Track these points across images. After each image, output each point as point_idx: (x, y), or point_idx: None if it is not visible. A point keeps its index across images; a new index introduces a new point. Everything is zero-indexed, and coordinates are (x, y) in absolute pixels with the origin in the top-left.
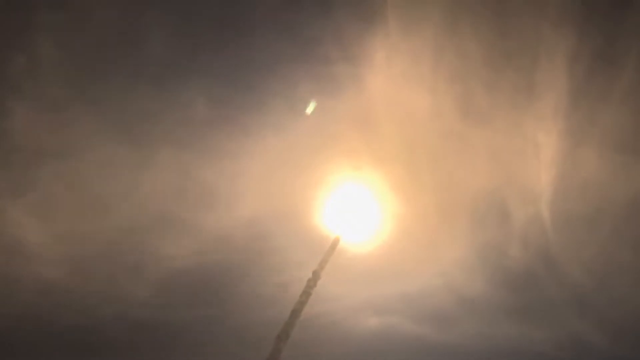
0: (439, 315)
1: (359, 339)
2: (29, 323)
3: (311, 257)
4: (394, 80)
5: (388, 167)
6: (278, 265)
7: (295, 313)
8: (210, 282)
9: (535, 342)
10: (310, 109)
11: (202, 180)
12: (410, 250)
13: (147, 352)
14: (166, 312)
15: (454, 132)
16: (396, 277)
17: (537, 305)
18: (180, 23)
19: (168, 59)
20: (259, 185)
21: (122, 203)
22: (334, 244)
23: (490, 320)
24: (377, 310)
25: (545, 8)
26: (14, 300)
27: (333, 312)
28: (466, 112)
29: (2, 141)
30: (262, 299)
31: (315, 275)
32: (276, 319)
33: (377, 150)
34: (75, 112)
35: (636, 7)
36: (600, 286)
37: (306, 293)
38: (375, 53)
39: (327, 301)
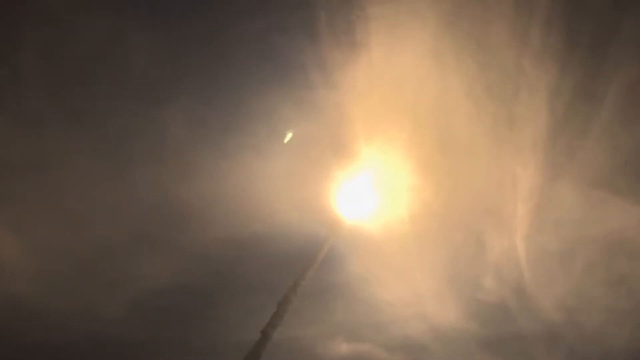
0: (410, 344)
1: None
2: None
3: (284, 280)
4: (375, 109)
5: (365, 194)
6: (251, 287)
7: (266, 335)
8: (183, 302)
9: None
10: (288, 137)
11: (179, 200)
12: (384, 278)
13: None
14: (139, 332)
15: (433, 162)
16: (369, 304)
17: (508, 337)
18: (164, 43)
19: (150, 78)
20: (235, 207)
21: (98, 220)
22: (310, 265)
23: (461, 350)
24: (349, 336)
25: (527, 43)
26: None
27: (304, 337)
28: (446, 142)
29: None
30: (235, 321)
31: (287, 299)
32: (248, 341)
33: (355, 177)
34: (55, 127)
35: (616, 44)
36: (571, 321)
37: (278, 315)
38: (357, 81)
39: (298, 326)
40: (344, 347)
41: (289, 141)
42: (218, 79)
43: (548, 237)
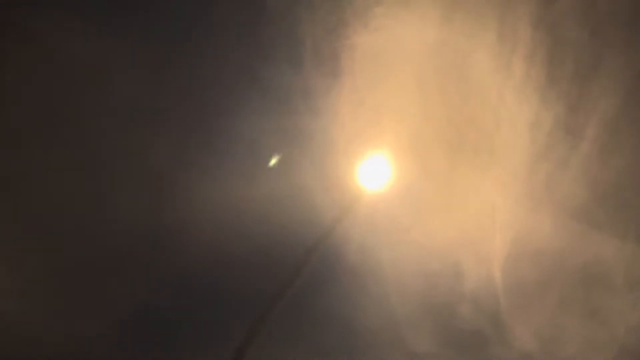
0: None
1: None
2: None
3: (263, 301)
4: (357, 135)
5: (346, 219)
6: (230, 307)
7: (240, 353)
8: (161, 323)
9: None
10: (273, 161)
11: (161, 221)
12: (360, 303)
13: None
14: (117, 351)
15: (413, 190)
16: (343, 328)
17: None
18: (149, 69)
19: (135, 103)
20: (216, 229)
21: (79, 239)
22: (286, 288)
23: None
24: (313, 358)
25: (509, 75)
26: None
27: (275, 357)
28: (426, 171)
29: None
30: (213, 342)
31: (261, 317)
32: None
33: (338, 202)
34: (39, 148)
35: (597, 79)
36: (546, 351)
37: (251, 333)
38: (340, 107)
39: (273, 348)
40: None
41: (273, 165)
42: (203, 105)
43: (525, 268)
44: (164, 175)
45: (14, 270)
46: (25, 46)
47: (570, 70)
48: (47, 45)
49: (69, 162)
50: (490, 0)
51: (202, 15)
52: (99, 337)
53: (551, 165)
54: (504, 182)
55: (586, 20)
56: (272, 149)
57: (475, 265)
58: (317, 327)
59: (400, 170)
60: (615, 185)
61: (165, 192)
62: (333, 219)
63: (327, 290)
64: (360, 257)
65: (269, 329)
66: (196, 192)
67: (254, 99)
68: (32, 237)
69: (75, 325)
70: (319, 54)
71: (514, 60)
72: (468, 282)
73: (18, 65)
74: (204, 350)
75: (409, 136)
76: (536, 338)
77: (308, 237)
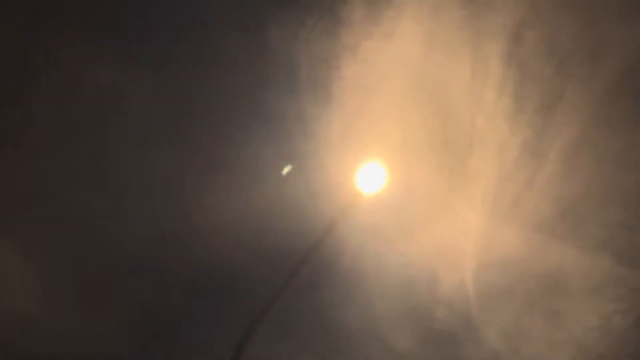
0: None
1: None
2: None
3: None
4: (346, 156)
5: (335, 232)
6: (230, 312)
7: (239, 349)
8: (168, 322)
9: None
10: (286, 170)
11: (170, 231)
12: (346, 306)
13: None
14: (131, 349)
15: (396, 206)
16: (327, 327)
17: None
18: (160, 94)
19: (147, 124)
20: (218, 238)
21: (95, 246)
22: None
23: None
24: (304, 355)
25: (481, 104)
26: None
27: (271, 354)
28: (408, 188)
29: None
30: (216, 339)
31: (259, 317)
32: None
33: (328, 215)
34: (60, 164)
35: (560, 108)
36: (513, 349)
37: (249, 331)
38: (331, 132)
39: (266, 347)
40: None
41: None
42: (209, 127)
43: (494, 275)
44: (172, 188)
45: (38, 274)
46: (52, 72)
47: (536, 100)
48: (72, 72)
49: (90, 177)
50: (464, 38)
51: (209, 49)
52: (114, 334)
53: (518, 184)
54: (476, 199)
55: (551, 56)
56: (271, 167)
57: (449, 272)
58: (308, 327)
59: (384, 189)
60: (575, 202)
61: (173, 203)
62: (324, 230)
63: (318, 293)
64: (348, 265)
65: (266, 328)
66: (203, 204)
67: (255, 122)
68: (57, 245)
69: (91, 324)
70: (312, 83)
71: (485, 91)
72: (443, 288)
73: (46, 89)
74: (208, 346)
75: (391, 159)
76: (503, 338)
77: (301, 247)
